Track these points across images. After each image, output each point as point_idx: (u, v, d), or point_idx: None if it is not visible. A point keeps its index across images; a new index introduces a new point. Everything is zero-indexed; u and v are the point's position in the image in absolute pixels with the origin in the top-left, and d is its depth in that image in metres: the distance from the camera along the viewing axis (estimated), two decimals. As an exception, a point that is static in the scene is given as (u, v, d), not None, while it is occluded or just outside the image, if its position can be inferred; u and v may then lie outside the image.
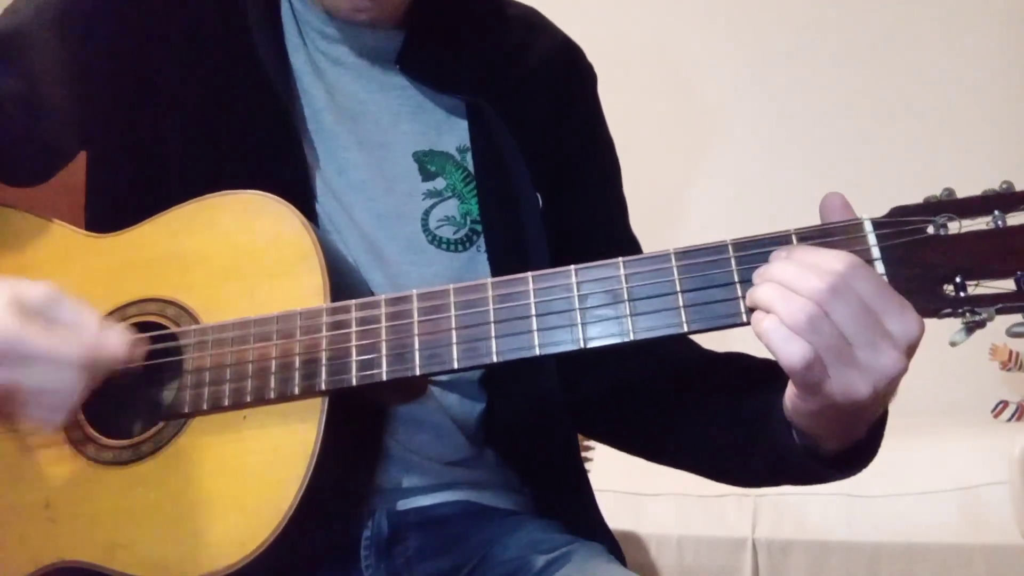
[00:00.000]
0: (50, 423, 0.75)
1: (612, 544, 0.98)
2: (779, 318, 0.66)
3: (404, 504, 0.93)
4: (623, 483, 1.87)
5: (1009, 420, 2.24)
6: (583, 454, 1.87)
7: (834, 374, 0.67)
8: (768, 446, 0.80)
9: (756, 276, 0.70)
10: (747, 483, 0.93)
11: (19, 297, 0.73)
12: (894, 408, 0.76)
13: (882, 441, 0.79)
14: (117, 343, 0.76)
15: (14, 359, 0.72)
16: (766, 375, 0.81)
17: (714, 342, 0.88)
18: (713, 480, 0.94)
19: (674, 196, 2.68)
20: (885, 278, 0.68)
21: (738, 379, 0.87)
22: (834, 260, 0.67)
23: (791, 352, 0.66)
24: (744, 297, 0.70)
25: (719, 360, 0.94)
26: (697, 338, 0.75)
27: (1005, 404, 2.26)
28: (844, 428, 0.74)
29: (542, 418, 0.98)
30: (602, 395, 0.99)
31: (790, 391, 0.72)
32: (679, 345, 0.95)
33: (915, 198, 0.70)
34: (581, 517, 1.00)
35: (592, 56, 1.09)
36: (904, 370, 0.67)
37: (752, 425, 0.82)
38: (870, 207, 0.72)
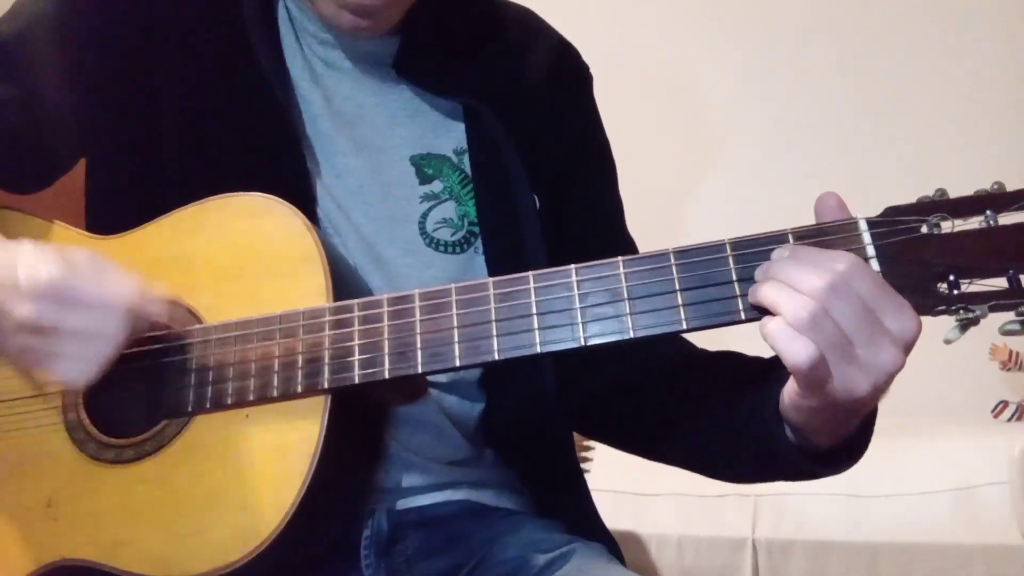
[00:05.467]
0: (82, 375, 0.75)
1: (611, 544, 0.99)
2: (783, 318, 0.67)
3: (404, 504, 0.93)
4: (623, 483, 1.88)
5: (1009, 420, 2.25)
6: (583, 454, 1.88)
7: (836, 372, 0.68)
8: (759, 442, 0.80)
9: (759, 273, 0.71)
10: (738, 479, 0.93)
11: (65, 253, 0.76)
12: (894, 408, 0.76)
13: (871, 437, 0.79)
14: (160, 296, 0.79)
15: (60, 299, 0.73)
16: (758, 372, 0.82)
17: (711, 341, 0.88)
18: (705, 476, 0.95)
19: (674, 199, 2.68)
20: (880, 276, 0.69)
21: (731, 377, 0.88)
22: (832, 259, 0.68)
23: (796, 351, 0.67)
24: (741, 296, 0.71)
25: (712, 358, 0.94)
26: (694, 336, 0.76)
27: (1005, 404, 2.26)
28: (838, 424, 0.75)
29: (538, 418, 0.98)
30: (599, 394, 0.99)
31: (790, 387, 0.73)
32: (674, 345, 0.96)
33: (909, 200, 0.71)
34: (579, 517, 1.00)
35: (592, 59, 1.09)
36: (902, 366, 0.68)
37: (744, 421, 0.82)
38: (867, 208, 0.73)
